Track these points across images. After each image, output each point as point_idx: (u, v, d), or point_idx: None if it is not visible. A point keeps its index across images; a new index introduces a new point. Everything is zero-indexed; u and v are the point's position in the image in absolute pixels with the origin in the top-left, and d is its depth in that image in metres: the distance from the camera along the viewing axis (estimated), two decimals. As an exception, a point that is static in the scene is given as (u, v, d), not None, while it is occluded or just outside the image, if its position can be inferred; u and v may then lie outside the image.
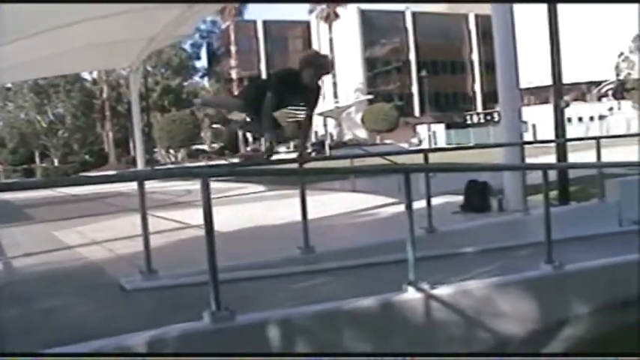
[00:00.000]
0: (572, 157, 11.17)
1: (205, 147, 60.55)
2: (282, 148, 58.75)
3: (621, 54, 58.14)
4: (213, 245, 4.00)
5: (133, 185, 5.74)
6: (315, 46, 75.08)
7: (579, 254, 5.96)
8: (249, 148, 62.48)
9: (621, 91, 60.71)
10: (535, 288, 5.07)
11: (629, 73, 58.10)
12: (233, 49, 70.73)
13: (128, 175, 8.86)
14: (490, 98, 66.94)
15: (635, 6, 11.43)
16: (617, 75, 60.17)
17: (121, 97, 58.18)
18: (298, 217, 6.23)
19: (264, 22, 73.85)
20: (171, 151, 58.32)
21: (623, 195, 8.77)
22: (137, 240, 5.79)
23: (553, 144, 10.48)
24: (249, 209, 11.19)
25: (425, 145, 54.71)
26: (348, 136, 66.97)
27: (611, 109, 58.68)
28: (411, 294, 4.56)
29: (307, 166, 6.99)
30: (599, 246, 7.05)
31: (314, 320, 4.20)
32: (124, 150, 61.77)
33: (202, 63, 72.01)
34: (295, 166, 6.81)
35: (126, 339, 3.70)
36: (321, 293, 5.00)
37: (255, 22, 73.51)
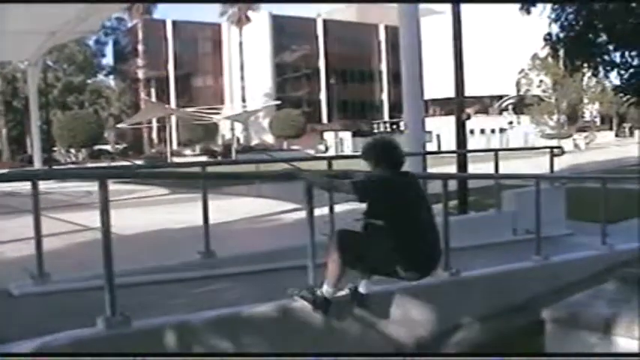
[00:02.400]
0: (473, 168, 11.57)
1: (109, 147, 58.76)
2: (187, 151, 57.89)
3: (522, 70, 60.78)
4: (110, 248, 3.87)
5: (27, 185, 5.45)
6: (225, 49, 74.60)
7: (476, 262, 6.17)
8: (154, 150, 61.15)
9: (521, 106, 63.43)
10: (432, 294, 5.19)
11: (527, 90, 60.82)
12: (140, 48, 68.97)
13: (22, 174, 8.44)
14: (397, 108, 68.49)
15: (535, 24, 11.93)
16: (518, 90, 62.81)
17: (17, 92, 55.51)
18: (200, 222, 6.12)
19: (174, 23, 72.51)
20: (72, 150, 56.21)
21: (517, 205, 9.17)
22: (30, 243, 5.51)
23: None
24: (151, 212, 10.91)
25: (332, 152, 55.26)
26: (255, 141, 66.75)
27: (511, 122, 61.21)
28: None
29: (211, 169, 6.88)
30: (495, 254, 7.33)
31: (212, 325, 4.13)
32: (20, 148, 58.98)
33: (108, 61, 69.76)
34: (199, 169, 6.68)
35: (11, 347, 3.50)
36: (221, 298, 4.93)
37: (164, 21, 72.04)
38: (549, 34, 10.54)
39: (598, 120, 74.42)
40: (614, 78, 11.38)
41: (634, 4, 10.05)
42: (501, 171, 10.07)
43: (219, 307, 4.37)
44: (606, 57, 10.74)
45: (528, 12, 10.25)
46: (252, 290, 5.17)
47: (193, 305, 4.59)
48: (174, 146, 59.25)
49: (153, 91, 69.35)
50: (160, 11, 78.08)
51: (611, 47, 10.61)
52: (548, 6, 10.61)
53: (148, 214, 10.58)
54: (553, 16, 10.42)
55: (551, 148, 10.88)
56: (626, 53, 10.63)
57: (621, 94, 11.69)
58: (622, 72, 10.93)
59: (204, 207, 6.13)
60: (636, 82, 10.72)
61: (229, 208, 9.92)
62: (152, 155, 55.13)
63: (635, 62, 10.68)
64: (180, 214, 9.55)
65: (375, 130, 65.65)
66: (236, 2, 66.22)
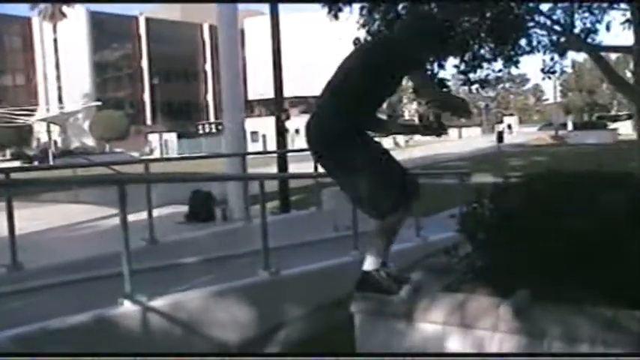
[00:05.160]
0: (297, 167, 11.79)
1: None
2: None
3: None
4: None
5: None
6: (37, 46, 70.02)
7: (299, 259, 6.30)
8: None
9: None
10: (252, 294, 5.24)
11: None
12: None
13: None
14: (222, 108, 68.25)
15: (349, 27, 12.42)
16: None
17: None
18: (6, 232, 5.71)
19: (-26, 15, 66.81)
20: None
21: (337, 203, 9.48)
22: None
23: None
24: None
25: (157, 155, 53.91)
26: (74, 144, 63.34)
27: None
28: (126, 307, 4.42)
29: (18, 176, 6.43)
30: (316, 251, 7.52)
31: (19, 343, 3.87)
32: None
33: None
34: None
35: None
36: (29, 314, 4.61)
37: (-38, 13, 66.09)
38: (357, 38, 11.03)
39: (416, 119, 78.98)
40: None
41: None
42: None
43: (25, 324, 4.09)
44: None
45: (336, 17, 10.63)
46: (64, 302, 4.89)
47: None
48: (-19, 151, 54.72)
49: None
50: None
51: None
52: (356, 11, 11.08)
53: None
54: (361, 21, 10.90)
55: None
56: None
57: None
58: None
59: (8, 216, 5.72)
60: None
61: (43, 216, 9.37)
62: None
63: (431, 68, 11.35)
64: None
65: (201, 132, 65.02)
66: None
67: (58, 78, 70.29)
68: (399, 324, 3.44)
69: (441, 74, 11.40)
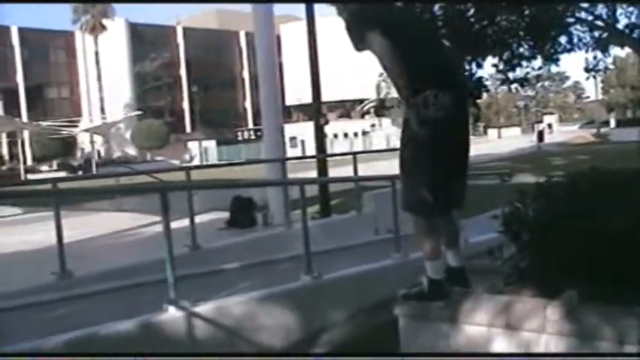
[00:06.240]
0: (336, 172, 11.80)
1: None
2: (44, 167, 54.90)
3: (381, 74, 62.74)
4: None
5: None
6: (80, 59, 71.50)
7: (340, 263, 6.29)
8: (4, 167, 57.39)
9: (382, 109, 65.52)
10: (295, 299, 5.25)
11: (388, 92, 63.00)
12: (-19, 57, 64.18)
13: None
14: (261, 115, 68.61)
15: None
16: (378, 94, 64.78)
17: None
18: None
19: (20, 30, 68.43)
20: None
21: (378, 206, 9.45)
22: None
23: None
24: (3, 234, 10.26)
25: (197, 162, 54.54)
26: (117, 154, 64.45)
27: (373, 125, 63.08)
28: (171, 313, 4.48)
29: (65, 186, 6.59)
30: (357, 255, 7.50)
31: (68, 348, 3.95)
32: None
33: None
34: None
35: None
36: (78, 320, 4.71)
37: (8, 28, 67.74)
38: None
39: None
40: None
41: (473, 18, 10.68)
42: (365, 173, 10.32)
43: (77, 329, 4.18)
44: None
45: None
46: (111, 308, 4.98)
47: (46, 330, 4.35)
48: (29, 162, 55.97)
49: (0, 103, 65.07)
50: (2, 17, 73.60)
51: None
52: None
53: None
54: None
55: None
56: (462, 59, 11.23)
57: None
58: None
59: (57, 225, 5.86)
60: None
61: (89, 224, 9.56)
62: (2, 173, 51.70)
63: (469, 67, 11.30)
64: (36, 235, 9.06)
65: (240, 138, 65.56)
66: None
67: (100, 89, 71.63)
68: (444, 326, 3.43)
69: (480, 73, 11.33)
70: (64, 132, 53.03)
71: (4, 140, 60.55)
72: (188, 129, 75.51)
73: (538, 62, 11.75)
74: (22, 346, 3.86)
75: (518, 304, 3.26)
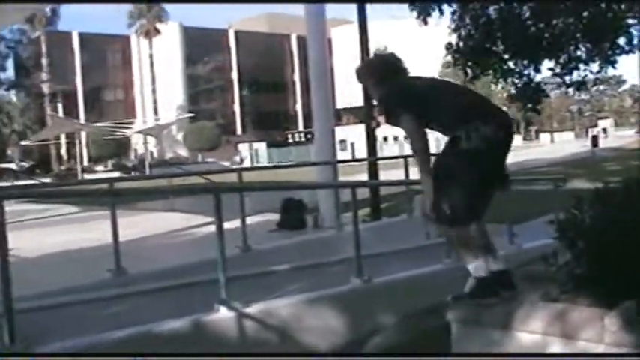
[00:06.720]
0: (387, 175, 11.74)
1: (13, 166, 56.22)
2: (99, 167, 56.24)
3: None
4: (7, 271, 3.72)
5: None
6: (135, 62, 73.11)
7: (391, 267, 6.27)
8: (63, 167, 59.03)
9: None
10: (345, 302, 5.24)
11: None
12: (45, 61, 66.12)
13: None
14: (311, 118, 68.69)
15: (440, 33, 12.30)
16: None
17: None
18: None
19: (80, 35, 70.45)
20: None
21: (429, 210, 9.35)
22: None
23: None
24: (61, 232, 10.55)
25: (247, 164, 55.05)
26: (169, 155, 65.59)
27: (423, 129, 62.52)
28: (222, 313, 4.52)
29: (119, 186, 6.73)
30: (408, 258, 7.45)
31: (122, 345, 4.03)
32: None
33: (8, 75, 66.08)
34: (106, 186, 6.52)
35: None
36: (132, 317, 4.81)
37: (70, 33, 69.81)
38: (450, 43, 10.85)
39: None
40: (510, 85, 11.84)
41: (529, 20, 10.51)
42: (414, 177, 10.20)
43: (130, 326, 4.27)
44: (504, 66, 11.14)
45: (425, 22, 10.54)
46: (163, 306, 5.07)
47: (103, 325, 4.45)
48: (85, 162, 57.44)
49: (60, 105, 67.01)
50: (64, 23, 75.72)
51: (506, 56, 11.02)
52: (446, 16, 10.96)
53: (57, 233, 10.23)
54: (452, 26, 10.75)
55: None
56: (519, 62, 11.07)
57: (517, 101, 12.11)
58: (516, 80, 11.37)
59: (113, 224, 6.00)
60: (529, 90, 11.19)
61: (142, 224, 9.74)
62: (61, 173, 53.18)
63: (527, 71, 11.12)
64: (92, 232, 9.31)
65: (290, 141, 65.90)
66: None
67: (154, 91, 73.09)
68: (497, 333, 3.37)
69: (538, 78, 11.15)
70: (118, 133, 54.28)
71: (64, 141, 62.31)
72: (239, 131, 76.34)
73: (595, 66, 11.47)
74: (74, 342, 3.95)
75: (575, 313, 3.19)
